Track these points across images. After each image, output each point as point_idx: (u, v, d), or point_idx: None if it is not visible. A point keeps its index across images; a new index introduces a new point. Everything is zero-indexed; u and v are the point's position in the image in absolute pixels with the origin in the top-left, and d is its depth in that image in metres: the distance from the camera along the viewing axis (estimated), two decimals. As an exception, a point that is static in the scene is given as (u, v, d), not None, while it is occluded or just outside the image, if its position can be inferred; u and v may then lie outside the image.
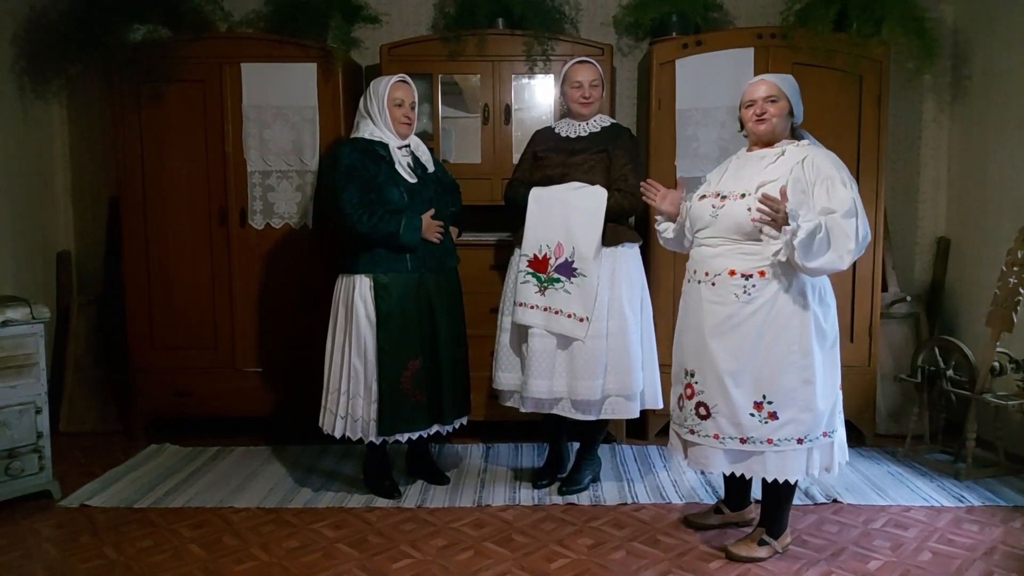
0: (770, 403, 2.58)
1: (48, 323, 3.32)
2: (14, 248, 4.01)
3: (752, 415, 2.59)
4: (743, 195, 2.60)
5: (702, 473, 3.50)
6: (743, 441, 2.61)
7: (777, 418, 2.58)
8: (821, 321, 2.60)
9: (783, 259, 2.49)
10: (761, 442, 2.60)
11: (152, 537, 2.91)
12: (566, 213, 3.15)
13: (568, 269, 3.14)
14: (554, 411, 3.20)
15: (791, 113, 2.69)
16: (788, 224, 2.43)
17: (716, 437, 2.64)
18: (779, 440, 2.59)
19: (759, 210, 2.49)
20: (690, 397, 2.71)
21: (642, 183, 2.95)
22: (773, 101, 2.65)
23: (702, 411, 2.67)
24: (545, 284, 3.17)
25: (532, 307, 3.18)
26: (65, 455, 3.74)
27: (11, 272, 3.96)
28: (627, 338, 3.16)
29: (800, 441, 2.60)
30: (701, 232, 2.70)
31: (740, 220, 2.57)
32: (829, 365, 2.64)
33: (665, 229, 2.94)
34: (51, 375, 3.92)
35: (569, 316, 3.13)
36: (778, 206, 2.44)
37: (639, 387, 3.21)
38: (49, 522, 3.06)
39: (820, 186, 2.54)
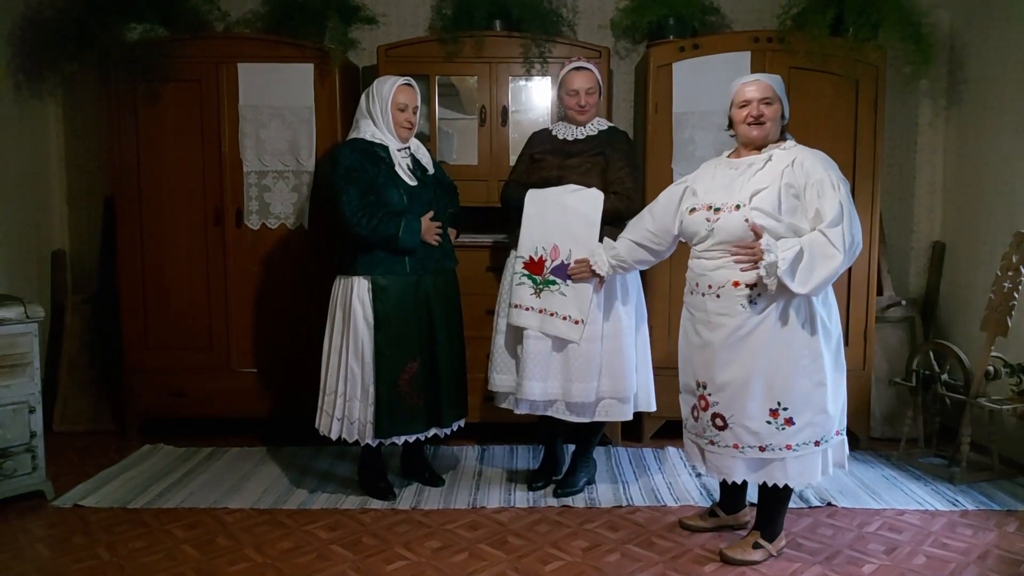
0: (785, 409, 2.58)
1: (42, 322, 3.32)
2: (8, 247, 3.99)
3: (769, 423, 2.59)
4: (738, 206, 2.58)
5: (698, 475, 3.50)
6: (762, 449, 2.60)
7: (794, 423, 2.58)
8: (826, 321, 2.60)
9: (772, 291, 2.49)
10: (780, 448, 2.59)
11: (145, 538, 2.90)
12: (562, 215, 3.14)
13: (564, 271, 3.13)
14: (548, 413, 3.20)
15: (782, 115, 2.67)
16: (764, 259, 2.44)
17: (736, 447, 2.64)
18: (797, 445, 2.59)
19: (735, 261, 2.53)
20: (705, 409, 2.70)
21: None
22: (768, 103, 2.62)
23: (719, 422, 2.66)
24: (541, 286, 3.16)
25: (527, 309, 3.17)
26: (59, 455, 3.73)
27: (5, 271, 3.95)
28: (622, 341, 3.16)
29: (817, 443, 2.61)
30: (699, 245, 2.70)
31: (739, 233, 2.55)
32: (836, 364, 2.64)
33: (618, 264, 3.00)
34: (45, 374, 3.93)
35: (564, 318, 3.12)
36: (752, 250, 2.47)
37: (633, 390, 3.20)
38: (42, 522, 3.05)
39: (811, 190, 2.53)
